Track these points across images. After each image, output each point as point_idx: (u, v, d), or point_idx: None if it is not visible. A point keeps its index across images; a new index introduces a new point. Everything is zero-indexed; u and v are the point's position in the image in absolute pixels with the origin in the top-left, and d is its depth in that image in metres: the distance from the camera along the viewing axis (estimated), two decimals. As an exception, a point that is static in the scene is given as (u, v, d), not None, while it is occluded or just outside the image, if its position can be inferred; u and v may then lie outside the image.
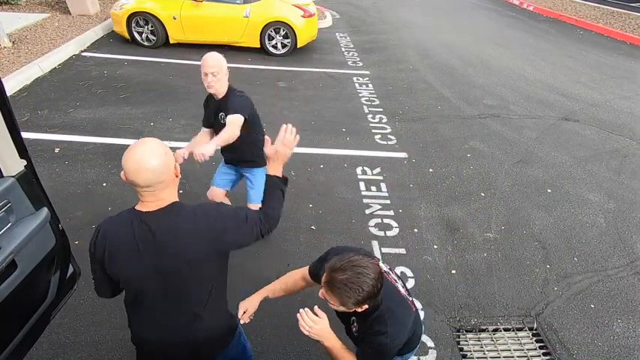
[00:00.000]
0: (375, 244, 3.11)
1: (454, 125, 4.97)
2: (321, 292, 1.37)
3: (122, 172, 1.18)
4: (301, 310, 1.42)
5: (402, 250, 3.07)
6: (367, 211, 3.44)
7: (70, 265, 1.85)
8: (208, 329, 1.39)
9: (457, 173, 4.03)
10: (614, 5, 11.19)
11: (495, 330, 2.54)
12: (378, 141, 4.52)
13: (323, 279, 1.33)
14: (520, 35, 9.15)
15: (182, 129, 4.41)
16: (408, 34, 8.63)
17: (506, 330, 2.54)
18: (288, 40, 6.60)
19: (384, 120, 5.00)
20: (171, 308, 1.32)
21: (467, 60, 7.25)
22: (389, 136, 4.64)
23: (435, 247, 3.13)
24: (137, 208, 1.26)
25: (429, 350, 2.38)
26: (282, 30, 6.50)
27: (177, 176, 1.27)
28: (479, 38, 8.68)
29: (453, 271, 2.92)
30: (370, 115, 5.09)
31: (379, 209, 3.47)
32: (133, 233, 1.23)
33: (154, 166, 1.14)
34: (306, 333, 1.41)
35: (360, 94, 5.67)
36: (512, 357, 2.42)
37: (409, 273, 2.88)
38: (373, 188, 3.73)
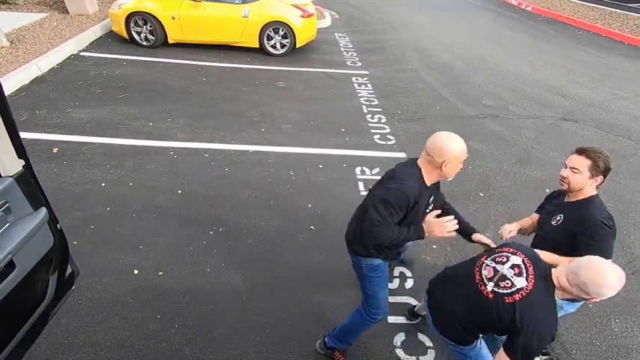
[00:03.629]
0: (374, 244, 3.10)
1: (453, 125, 4.97)
2: (566, 171, 1.87)
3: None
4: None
5: (401, 250, 3.07)
6: (366, 211, 3.43)
7: (69, 265, 1.84)
8: None
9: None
10: (611, 6, 11.22)
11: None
12: (377, 141, 4.52)
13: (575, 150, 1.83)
14: (519, 35, 9.16)
15: (181, 129, 4.40)
16: (407, 34, 8.64)
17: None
18: (287, 40, 6.60)
19: (383, 120, 5.00)
20: None
21: (466, 60, 7.26)
22: (388, 136, 4.65)
23: (434, 246, 3.13)
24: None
25: (428, 350, 2.38)
26: (281, 30, 6.50)
27: None
28: (477, 38, 8.69)
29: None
30: (369, 115, 5.09)
31: (378, 209, 3.47)
32: None
33: None
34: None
35: (359, 94, 5.67)
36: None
37: (408, 273, 2.89)
38: (372, 188, 3.73)
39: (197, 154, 4.00)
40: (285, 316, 2.50)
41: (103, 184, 3.47)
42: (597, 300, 1.42)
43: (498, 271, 1.57)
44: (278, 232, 3.14)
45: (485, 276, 1.59)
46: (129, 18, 6.22)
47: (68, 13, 7.28)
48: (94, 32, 6.71)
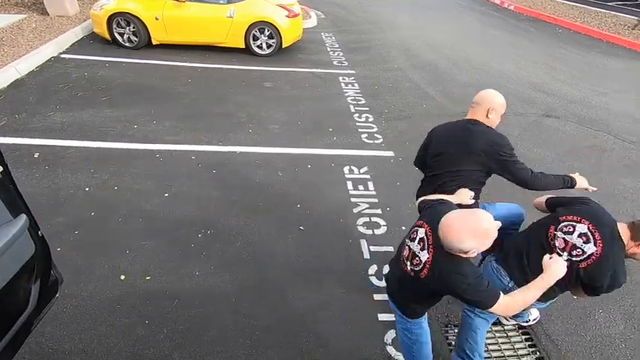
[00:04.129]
0: (363, 242, 3.12)
1: (439, 123, 5.01)
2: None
3: None
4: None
5: (391, 248, 3.08)
6: (355, 210, 3.45)
7: (52, 272, 1.80)
8: None
9: (443, 170, 4.08)
10: (590, 4, 11.52)
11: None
12: (365, 140, 4.55)
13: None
14: (502, 34, 9.32)
15: (167, 131, 4.35)
16: (393, 33, 8.70)
17: (493, 323, 2.58)
18: (273, 41, 6.57)
19: (370, 119, 5.03)
20: None
21: (450, 59, 7.35)
22: (375, 135, 4.67)
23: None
24: None
25: (419, 346, 2.40)
26: (266, 30, 6.47)
27: None
28: (462, 37, 8.81)
29: (441, 267, 2.96)
30: (356, 115, 5.11)
31: (367, 208, 3.49)
32: None
33: None
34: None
35: (346, 94, 5.69)
36: (500, 349, 2.47)
37: (397, 270, 2.90)
38: (361, 187, 3.75)
39: (183, 157, 3.95)
40: (276, 318, 2.49)
41: (87, 189, 3.40)
42: None
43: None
44: (267, 233, 3.13)
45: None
46: (111, 19, 6.10)
47: (48, 14, 7.11)
48: (74, 34, 6.57)
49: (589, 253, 1.64)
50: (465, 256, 1.47)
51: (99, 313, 2.41)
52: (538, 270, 1.67)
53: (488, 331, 2.53)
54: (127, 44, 6.37)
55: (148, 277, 2.67)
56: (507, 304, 1.54)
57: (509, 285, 1.85)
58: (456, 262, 1.49)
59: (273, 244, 3.03)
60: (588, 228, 1.68)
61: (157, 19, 6.14)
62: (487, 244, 1.44)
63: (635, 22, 9.70)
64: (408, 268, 1.65)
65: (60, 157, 3.75)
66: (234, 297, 2.60)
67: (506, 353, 2.43)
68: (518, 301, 1.56)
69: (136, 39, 6.31)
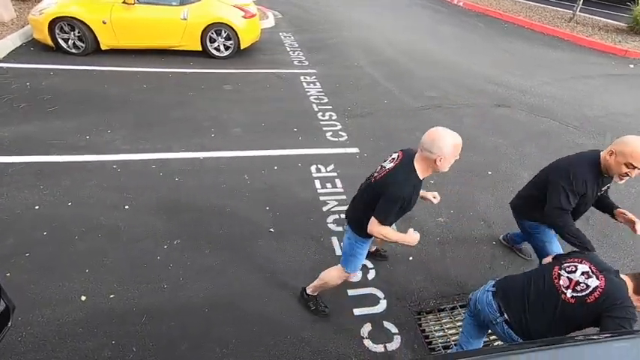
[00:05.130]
0: (334, 240, 3.14)
1: (400, 118, 5.17)
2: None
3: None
4: None
5: (361, 243, 3.13)
6: (324, 209, 3.47)
7: (2, 300, 1.65)
8: None
9: (407, 164, 4.20)
10: (532, 0, 12.30)
11: (453, 308, 2.69)
12: (330, 138, 4.58)
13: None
14: (454, 30, 9.73)
15: (123, 140, 4.13)
16: (351, 31, 8.82)
17: (462, 307, 2.69)
18: (231, 42, 6.45)
19: (334, 117, 5.07)
20: None
21: (407, 55, 7.57)
22: (340, 132, 4.72)
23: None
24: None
25: (394, 336, 2.46)
26: (223, 32, 6.34)
27: None
28: (416, 34, 9.10)
29: (410, 258, 3.04)
30: (320, 113, 5.13)
31: (336, 205, 3.51)
32: None
33: None
34: None
35: (309, 93, 5.70)
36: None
37: (370, 264, 2.95)
38: (329, 185, 3.77)
39: (143, 166, 3.78)
40: (251, 324, 2.44)
41: (37, 207, 3.16)
42: None
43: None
44: (237, 239, 3.07)
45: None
46: (53, 24, 5.71)
47: (-21, 20, 6.53)
48: (12, 41, 6.08)
49: (593, 286, 1.68)
50: None
51: (59, 339, 2.25)
52: (537, 308, 1.76)
53: (457, 315, 2.64)
54: (73, 50, 5.99)
55: (112, 296, 2.53)
56: None
57: (499, 320, 1.86)
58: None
59: (243, 250, 2.98)
60: (590, 267, 1.75)
61: (104, 22, 5.82)
62: None
63: (570, 16, 10.48)
64: (569, 295, 1.71)
65: (3, 175, 3.46)
66: (207, 307, 2.53)
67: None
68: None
69: (82, 44, 5.95)
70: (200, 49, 6.42)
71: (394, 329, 2.50)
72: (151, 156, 3.93)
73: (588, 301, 1.66)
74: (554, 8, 11.69)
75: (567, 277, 1.77)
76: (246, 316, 2.49)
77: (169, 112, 4.80)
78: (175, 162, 3.89)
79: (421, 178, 1.94)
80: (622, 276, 1.73)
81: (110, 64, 5.88)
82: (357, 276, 2.78)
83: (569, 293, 1.72)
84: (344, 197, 3.62)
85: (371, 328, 2.49)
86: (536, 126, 5.24)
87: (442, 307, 2.68)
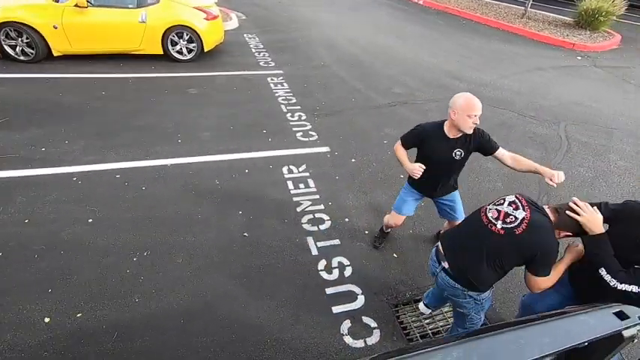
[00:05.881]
0: (310, 239, 3.14)
1: (369, 115, 5.25)
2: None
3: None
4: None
5: (337, 241, 3.16)
6: (298, 209, 3.46)
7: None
8: None
9: (377, 160, 4.28)
10: (486, -3, 12.82)
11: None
12: (300, 138, 4.57)
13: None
14: (415, 27, 9.99)
15: (83, 150, 3.93)
16: (316, 31, 8.85)
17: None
18: (194, 45, 6.29)
19: (303, 117, 5.07)
20: None
21: (372, 53, 7.70)
22: (310, 132, 4.72)
23: (366, 232, 3.28)
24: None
25: (373, 330, 2.50)
26: (185, 34, 6.17)
27: None
28: (380, 32, 9.26)
29: (385, 252, 3.10)
30: (289, 114, 5.12)
31: (310, 205, 3.52)
32: None
33: None
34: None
35: (277, 94, 5.66)
36: (445, 318, 2.67)
37: (346, 262, 2.98)
38: (301, 185, 3.77)
39: (106, 176, 3.62)
40: (230, 331, 2.40)
41: (-10, 227, 2.95)
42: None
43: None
44: (210, 245, 3.00)
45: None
46: (-3, 30, 5.33)
47: None
48: (-49, 49, 5.61)
49: (520, 218, 1.73)
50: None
51: (22, 365, 2.12)
52: (471, 246, 1.82)
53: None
54: (22, 57, 5.62)
55: (78, 315, 2.40)
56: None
57: (438, 270, 1.97)
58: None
59: (217, 256, 2.92)
60: (516, 197, 1.82)
61: (55, 27, 5.50)
62: None
63: (522, 12, 11.04)
64: (499, 226, 1.77)
65: (-51, 195, 3.20)
66: (183, 317, 2.46)
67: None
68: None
69: (32, 51, 5.59)
70: (161, 52, 6.21)
71: (373, 323, 2.54)
72: (114, 166, 3.76)
73: (517, 232, 1.73)
74: (508, 5, 12.28)
75: (495, 209, 1.84)
76: (225, 324, 2.44)
77: (132, 119, 4.62)
78: (141, 171, 3.74)
79: (449, 136, 2.34)
80: (546, 209, 1.82)
81: (64, 71, 5.57)
82: None
83: (499, 224, 1.78)
84: (317, 197, 3.63)
85: (350, 324, 2.52)
86: (496, 117, 5.48)
87: (418, 298, 2.75)
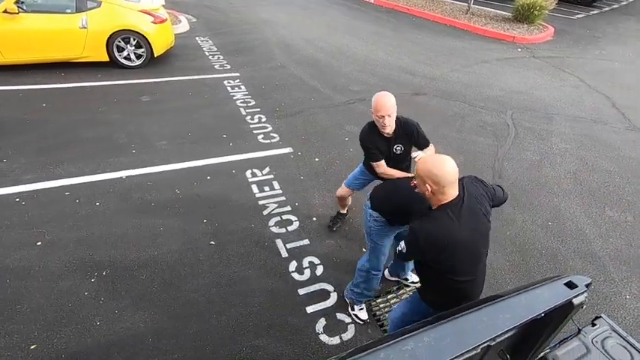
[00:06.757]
0: (279, 242, 3.12)
1: (329, 113, 5.29)
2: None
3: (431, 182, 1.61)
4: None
5: (306, 241, 3.16)
6: (265, 212, 3.42)
7: None
8: None
9: (340, 157, 4.32)
10: (432, -5, 13.37)
11: (398, 288, 2.85)
12: (262, 141, 4.52)
13: None
14: (367, 25, 10.20)
15: (24, 169, 3.63)
16: (270, 32, 8.77)
17: (406, 286, 2.86)
18: (143, 50, 6.01)
19: (263, 119, 5.01)
20: None
21: (328, 52, 7.77)
22: (271, 134, 4.68)
23: (334, 229, 3.31)
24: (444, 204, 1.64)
25: (348, 326, 2.53)
26: (132, 39, 5.87)
27: None
28: (334, 30, 9.37)
29: (354, 247, 3.14)
30: (249, 117, 5.04)
31: (276, 207, 3.49)
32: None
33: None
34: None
35: (234, 97, 5.55)
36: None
37: (317, 261, 2.99)
38: (266, 188, 3.73)
39: (54, 195, 3.36)
40: (201, 345, 2.33)
41: None
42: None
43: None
44: (175, 258, 2.89)
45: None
46: None
47: None
48: None
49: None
50: None
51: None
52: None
53: (404, 294, 2.80)
54: (-55, 71, 5.09)
55: (33, 346, 2.22)
56: None
57: (367, 209, 2.25)
58: None
59: (184, 267, 2.81)
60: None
61: (-18, 36, 5.03)
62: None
63: (466, 8, 11.65)
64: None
65: None
66: (150, 335, 2.35)
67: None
68: None
69: (-44, 63, 5.08)
70: (107, 59, 5.87)
71: (347, 319, 2.57)
72: (62, 182, 3.51)
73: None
74: (452, 1, 12.89)
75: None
76: (197, 337, 2.36)
77: (78, 131, 4.33)
78: (93, 185, 3.52)
79: (384, 134, 2.40)
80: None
81: (-3, 84, 5.12)
82: None
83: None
84: (283, 198, 3.60)
85: (325, 322, 2.53)
86: (450, 110, 5.74)
87: (389, 290, 2.82)
